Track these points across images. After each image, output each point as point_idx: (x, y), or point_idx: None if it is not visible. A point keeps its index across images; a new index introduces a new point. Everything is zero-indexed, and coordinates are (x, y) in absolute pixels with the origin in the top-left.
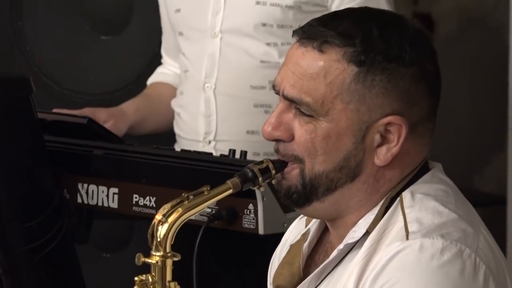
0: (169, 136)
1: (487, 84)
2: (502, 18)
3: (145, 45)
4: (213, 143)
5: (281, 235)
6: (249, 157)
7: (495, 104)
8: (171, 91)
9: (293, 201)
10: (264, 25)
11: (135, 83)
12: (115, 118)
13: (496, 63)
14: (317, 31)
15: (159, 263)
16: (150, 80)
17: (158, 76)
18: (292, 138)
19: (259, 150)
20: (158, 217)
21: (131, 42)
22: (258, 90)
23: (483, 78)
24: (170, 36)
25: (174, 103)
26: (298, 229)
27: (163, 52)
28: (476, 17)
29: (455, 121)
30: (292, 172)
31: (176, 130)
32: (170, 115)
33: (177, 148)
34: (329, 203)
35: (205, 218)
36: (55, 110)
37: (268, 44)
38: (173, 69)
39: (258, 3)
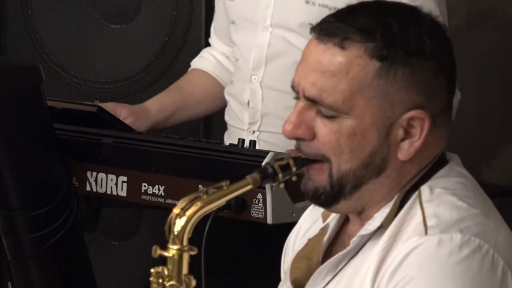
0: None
1: (495, 76)
2: (511, 10)
3: (155, 35)
4: (256, 133)
5: (289, 224)
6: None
7: (503, 96)
8: (207, 81)
9: (321, 201)
10: (311, 25)
11: (144, 72)
12: (136, 116)
13: (504, 56)
14: (336, 28)
15: (176, 257)
16: (193, 64)
17: (200, 61)
18: (313, 137)
19: None
20: (176, 210)
21: (141, 31)
22: None
23: (491, 70)
24: (223, 17)
25: (226, 91)
26: (313, 217)
27: (212, 31)
28: (485, 9)
29: (463, 113)
30: (321, 173)
31: (226, 117)
32: (201, 108)
33: (227, 136)
34: (355, 200)
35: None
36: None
37: None
38: (216, 55)
39: (307, 2)
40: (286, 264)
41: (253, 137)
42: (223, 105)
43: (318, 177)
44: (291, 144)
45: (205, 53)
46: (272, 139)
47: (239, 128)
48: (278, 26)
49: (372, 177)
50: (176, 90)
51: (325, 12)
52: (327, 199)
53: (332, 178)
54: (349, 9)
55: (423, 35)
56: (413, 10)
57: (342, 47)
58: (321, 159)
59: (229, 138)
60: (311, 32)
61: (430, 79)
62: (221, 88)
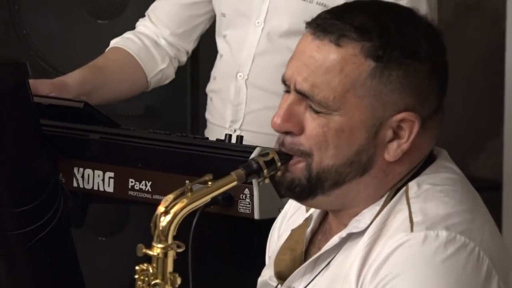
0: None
1: (483, 70)
2: (498, 4)
3: None
4: (238, 132)
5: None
6: None
7: (491, 90)
8: (130, 63)
9: (295, 194)
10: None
11: None
12: (59, 90)
13: (492, 50)
14: (332, 24)
15: (161, 255)
16: (114, 42)
17: (125, 41)
18: (302, 131)
19: None
20: (161, 208)
21: (128, 26)
22: None
23: (479, 64)
24: (185, 2)
25: (208, 88)
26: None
27: (154, 13)
28: (472, 3)
29: (451, 107)
30: (297, 165)
31: (207, 115)
32: (118, 90)
33: (207, 133)
34: (335, 197)
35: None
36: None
37: None
38: (144, 39)
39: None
40: (271, 249)
41: (234, 136)
42: (140, 91)
43: (295, 169)
44: (272, 144)
45: (130, 35)
46: (253, 139)
47: (220, 125)
48: (271, 22)
49: (356, 176)
50: (95, 69)
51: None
52: (301, 192)
53: (311, 172)
54: (346, 6)
55: (419, 38)
56: (410, 12)
57: (338, 44)
58: (300, 155)
59: (209, 136)
60: (306, 27)
61: (423, 82)
62: (142, 73)
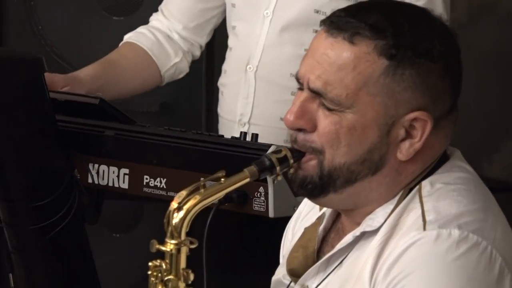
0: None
1: (496, 71)
2: None
3: None
4: (247, 126)
5: (291, 218)
6: (280, 143)
7: (504, 91)
8: (143, 58)
9: (308, 191)
10: (317, 12)
11: None
12: (72, 85)
13: (505, 51)
14: (347, 22)
15: (174, 251)
16: (127, 37)
17: (137, 36)
18: (314, 128)
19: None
20: (174, 204)
21: (143, 23)
22: None
23: (492, 65)
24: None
25: (219, 82)
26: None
27: (167, 7)
28: (486, 4)
29: (464, 108)
30: (309, 163)
31: (218, 109)
32: (131, 86)
33: (219, 128)
34: (347, 195)
35: (216, 201)
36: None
37: (315, 32)
38: (157, 34)
39: None
40: (285, 249)
41: (243, 130)
42: (154, 86)
43: (308, 166)
44: (280, 138)
45: (143, 29)
46: (262, 133)
47: (231, 119)
48: (280, 13)
49: (368, 175)
50: (108, 64)
51: (334, 1)
52: (313, 189)
53: (323, 170)
54: (361, 5)
55: (433, 38)
56: (424, 12)
57: (351, 42)
58: (311, 152)
59: (221, 130)
60: (320, 25)
61: (437, 82)
62: (155, 68)
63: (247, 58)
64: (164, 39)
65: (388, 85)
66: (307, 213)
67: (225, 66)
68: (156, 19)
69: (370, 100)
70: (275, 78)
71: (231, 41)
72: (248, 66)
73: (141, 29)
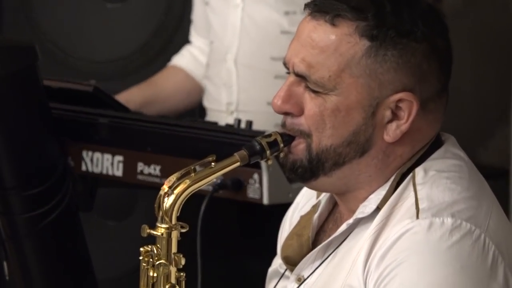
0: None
1: (492, 56)
2: None
3: (151, 15)
4: (235, 114)
5: (285, 205)
6: (271, 128)
7: (500, 78)
8: (180, 76)
9: (299, 175)
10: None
11: (140, 52)
12: None
13: (501, 36)
14: (329, 4)
15: (165, 235)
16: (172, 61)
17: (176, 58)
18: (301, 112)
19: (280, 122)
20: (165, 188)
21: (137, 10)
22: (279, 61)
23: (488, 51)
24: (199, 8)
25: (203, 76)
26: (310, 192)
27: (192, 29)
28: None
29: (459, 93)
30: (299, 147)
31: (205, 102)
32: (172, 102)
33: (207, 119)
34: (337, 178)
35: (210, 188)
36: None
37: (287, 13)
38: (192, 50)
39: None
40: (282, 239)
41: (231, 118)
42: (199, 99)
43: (297, 150)
44: (270, 123)
45: (183, 49)
46: (251, 118)
47: (218, 110)
48: (249, 1)
49: (356, 156)
50: (147, 84)
51: None
52: (304, 173)
53: (311, 153)
54: None
55: (416, 18)
56: None
57: (333, 24)
58: (300, 135)
59: None
60: (305, 9)
61: (421, 62)
62: (195, 82)
63: (226, 47)
64: (198, 52)
65: (371, 66)
66: (304, 204)
67: (207, 60)
68: (191, 37)
69: (353, 82)
70: (256, 63)
71: (211, 36)
72: (227, 55)
73: (181, 50)
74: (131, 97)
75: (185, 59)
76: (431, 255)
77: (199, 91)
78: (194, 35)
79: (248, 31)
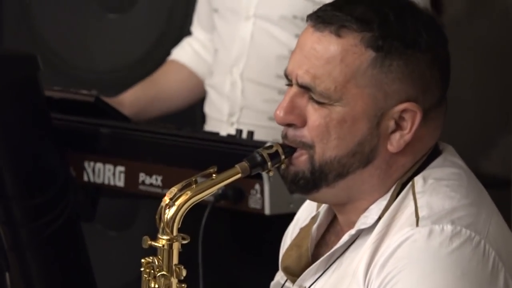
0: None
1: (494, 65)
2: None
3: (152, 25)
4: (235, 125)
5: (287, 215)
6: None
7: (502, 86)
8: (183, 74)
9: (300, 187)
10: (295, 17)
11: (141, 62)
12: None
13: (503, 45)
14: (333, 16)
15: (166, 247)
16: (172, 53)
17: (178, 52)
18: (304, 123)
19: (280, 137)
20: (166, 200)
21: (139, 21)
22: (284, 79)
23: (490, 59)
24: (205, 4)
25: (206, 83)
26: (310, 207)
27: (194, 19)
28: None
29: (461, 103)
30: (300, 158)
31: (206, 109)
32: (175, 101)
33: (206, 128)
34: (340, 189)
35: (212, 198)
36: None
37: (296, 36)
38: (194, 44)
39: None
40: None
41: (232, 129)
42: (202, 96)
43: (299, 162)
44: (270, 138)
45: (184, 42)
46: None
47: (218, 119)
48: (261, 17)
49: (359, 167)
50: (150, 83)
51: (309, 6)
52: (306, 184)
53: (314, 164)
54: None
55: (420, 28)
56: (410, 4)
57: (338, 35)
58: (302, 147)
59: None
60: (307, 20)
61: (425, 73)
62: (197, 80)
63: (232, 60)
64: (200, 47)
65: (376, 76)
66: (305, 219)
67: (212, 67)
68: (193, 28)
69: (358, 92)
70: (262, 79)
71: (216, 43)
72: (234, 68)
73: (182, 41)
74: (135, 98)
75: (188, 55)
76: (431, 261)
77: (202, 87)
78: (196, 27)
79: (257, 48)
